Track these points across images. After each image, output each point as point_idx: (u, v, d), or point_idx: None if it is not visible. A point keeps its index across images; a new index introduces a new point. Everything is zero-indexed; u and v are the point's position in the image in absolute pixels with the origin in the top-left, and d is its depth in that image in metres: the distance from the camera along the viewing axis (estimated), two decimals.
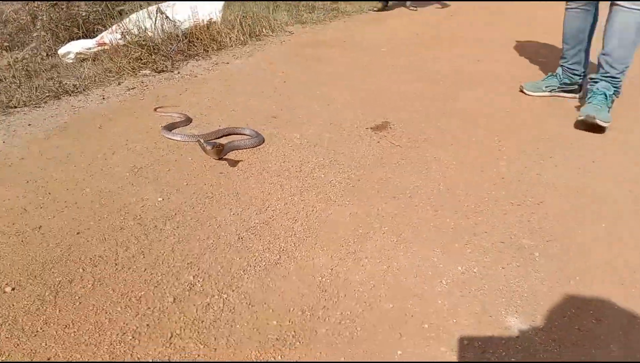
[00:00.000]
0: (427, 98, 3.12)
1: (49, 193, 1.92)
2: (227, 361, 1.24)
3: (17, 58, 3.35)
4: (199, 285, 1.50)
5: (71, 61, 3.75)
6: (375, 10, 5.83)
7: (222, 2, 4.32)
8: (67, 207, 1.84)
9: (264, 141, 2.44)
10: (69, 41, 3.95)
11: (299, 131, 2.58)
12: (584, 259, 1.69)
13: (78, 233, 1.70)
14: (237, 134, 2.51)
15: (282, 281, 1.53)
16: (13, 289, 1.44)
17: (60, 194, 1.92)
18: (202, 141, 2.18)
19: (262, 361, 1.26)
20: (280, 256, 1.65)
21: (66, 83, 3.15)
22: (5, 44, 3.48)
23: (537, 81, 3.23)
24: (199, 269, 1.57)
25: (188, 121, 2.67)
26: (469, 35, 4.86)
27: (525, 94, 3.18)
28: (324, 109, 2.87)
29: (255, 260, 1.62)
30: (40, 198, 1.88)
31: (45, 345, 1.27)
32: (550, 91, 3.15)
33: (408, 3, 6.08)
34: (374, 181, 2.14)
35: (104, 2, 4.34)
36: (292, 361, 1.24)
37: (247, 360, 1.26)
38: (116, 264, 1.57)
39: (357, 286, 1.54)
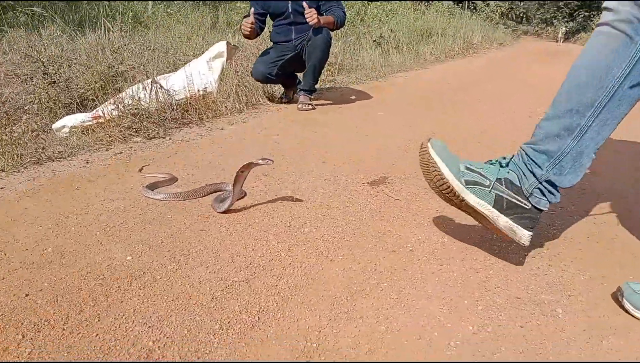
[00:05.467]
0: None
1: (5, 254, 1.71)
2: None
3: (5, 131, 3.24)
4: (159, 352, 1.25)
5: (65, 135, 3.66)
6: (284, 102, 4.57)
7: (218, 73, 4.30)
8: (21, 267, 1.62)
9: (246, 194, 2.28)
10: (65, 116, 3.88)
11: (291, 188, 2.39)
12: (616, 316, 1.43)
13: (27, 295, 1.47)
14: (222, 191, 2.33)
15: (259, 347, 1.28)
16: None
17: (17, 254, 1.71)
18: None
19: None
20: (259, 318, 1.40)
21: (51, 150, 3.02)
22: None
23: None
24: (161, 333, 1.32)
25: (173, 180, 2.50)
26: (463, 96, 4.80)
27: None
28: (319, 167, 2.70)
29: (229, 322, 1.37)
30: None
31: None
32: None
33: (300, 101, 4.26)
34: (370, 235, 1.92)
35: (103, 80, 4.32)
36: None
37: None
38: (64, 329, 1.32)
39: (350, 350, 1.28)
